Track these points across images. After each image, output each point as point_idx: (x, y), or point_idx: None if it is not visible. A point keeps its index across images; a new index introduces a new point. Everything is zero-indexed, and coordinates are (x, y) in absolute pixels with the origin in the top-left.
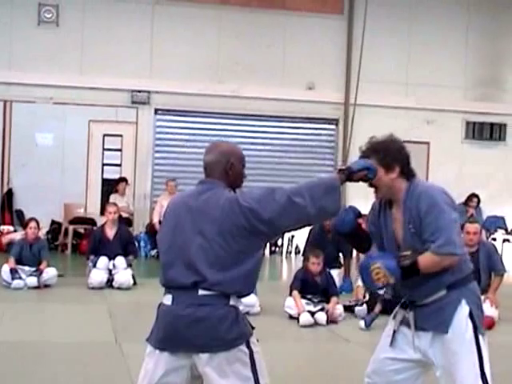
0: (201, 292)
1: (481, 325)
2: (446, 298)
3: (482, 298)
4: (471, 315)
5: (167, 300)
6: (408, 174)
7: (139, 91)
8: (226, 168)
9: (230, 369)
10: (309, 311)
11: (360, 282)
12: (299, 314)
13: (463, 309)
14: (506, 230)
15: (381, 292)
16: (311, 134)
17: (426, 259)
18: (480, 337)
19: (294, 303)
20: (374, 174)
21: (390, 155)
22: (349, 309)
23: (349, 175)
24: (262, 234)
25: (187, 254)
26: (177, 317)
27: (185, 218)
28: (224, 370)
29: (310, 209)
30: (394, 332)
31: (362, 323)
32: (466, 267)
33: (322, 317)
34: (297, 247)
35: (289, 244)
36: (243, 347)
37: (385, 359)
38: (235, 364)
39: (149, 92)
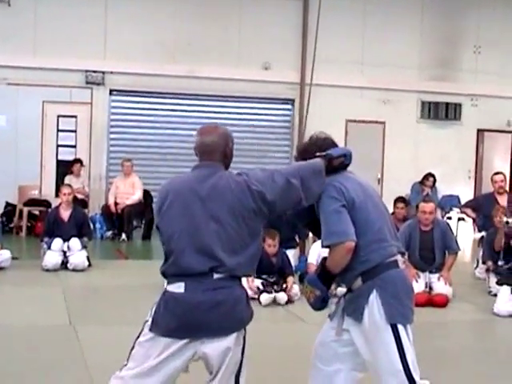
0: (216, 276)
1: (399, 313)
2: (361, 288)
3: (437, 276)
4: (384, 304)
5: (178, 288)
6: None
7: (94, 72)
8: (226, 151)
9: (234, 349)
10: (265, 291)
11: (310, 260)
12: (259, 296)
13: (375, 299)
14: (461, 208)
15: (318, 306)
16: (267, 114)
17: (327, 258)
18: (399, 325)
19: (246, 283)
20: (350, 161)
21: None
22: None
23: (329, 161)
24: (264, 216)
25: (200, 239)
26: (195, 304)
27: (193, 203)
28: (231, 350)
29: (302, 190)
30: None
31: None
32: (377, 256)
33: (282, 296)
34: None
35: None
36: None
37: (328, 330)
38: (238, 345)
39: (103, 73)
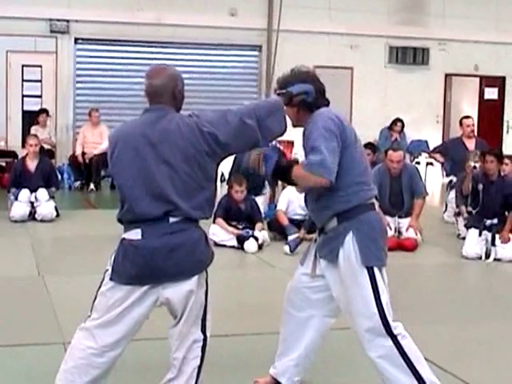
0: (171, 220)
1: (375, 256)
2: (337, 228)
3: (406, 222)
4: (360, 246)
5: (135, 235)
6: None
7: (58, 20)
8: (175, 92)
9: (197, 292)
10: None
11: (280, 206)
12: (242, 242)
13: (351, 240)
14: (429, 153)
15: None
16: (235, 61)
17: (298, 170)
18: (375, 268)
19: (218, 230)
20: (312, 98)
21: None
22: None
23: (289, 98)
24: (217, 157)
25: (154, 184)
26: (152, 249)
27: (144, 148)
28: (193, 292)
29: (258, 129)
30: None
31: (286, 248)
32: (356, 198)
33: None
34: (222, 175)
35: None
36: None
37: (300, 275)
38: (201, 288)
39: (68, 21)
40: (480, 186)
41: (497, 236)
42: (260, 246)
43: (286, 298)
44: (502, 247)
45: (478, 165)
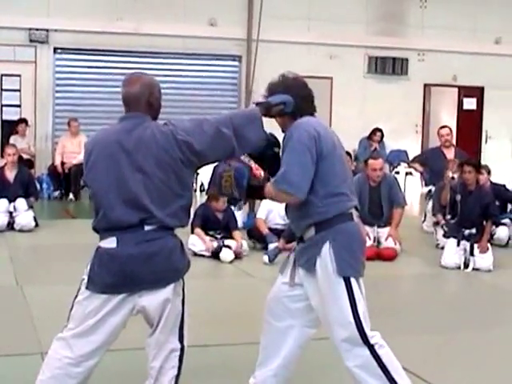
0: (147, 228)
1: (351, 266)
2: (314, 238)
3: (385, 232)
4: (337, 257)
5: (110, 243)
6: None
7: (37, 29)
8: (151, 100)
9: (173, 301)
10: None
11: (259, 215)
12: (216, 251)
13: (327, 250)
14: (408, 163)
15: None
16: (214, 71)
17: (268, 188)
18: (351, 279)
19: (197, 240)
20: (291, 109)
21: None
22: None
23: (267, 108)
24: (193, 166)
25: (128, 192)
26: (128, 257)
27: (119, 156)
28: (169, 301)
29: (234, 138)
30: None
31: (265, 258)
32: (334, 208)
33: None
34: (202, 185)
35: (194, 182)
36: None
37: (280, 285)
38: (177, 296)
39: (47, 30)
40: (458, 197)
41: (475, 246)
42: (236, 255)
43: (267, 307)
44: (480, 257)
45: (456, 175)
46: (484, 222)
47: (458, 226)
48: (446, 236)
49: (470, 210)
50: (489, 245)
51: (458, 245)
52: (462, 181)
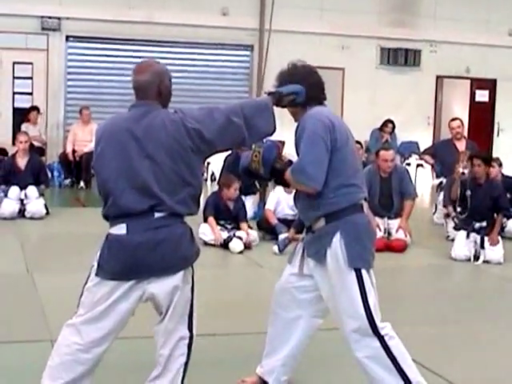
0: (156, 215)
1: (362, 258)
2: (324, 228)
3: (395, 223)
4: (347, 248)
5: (120, 229)
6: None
7: (49, 17)
8: (161, 88)
9: (183, 288)
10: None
11: (268, 206)
12: (224, 241)
13: (338, 241)
14: (419, 155)
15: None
16: (226, 61)
17: (288, 175)
18: (362, 270)
19: (207, 230)
20: (303, 98)
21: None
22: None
23: (278, 98)
24: (202, 154)
25: (137, 178)
26: (137, 244)
27: (129, 143)
28: (179, 288)
29: (244, 127)
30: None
31: (275, 248)
32: (345, 200)
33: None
34: (212, 174)
35: (204, 171)
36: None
37: (288, 276)
38: (187, 284)
39: (59, 18)
40: (468, 193)
41: (486, 238)
42: (246, 245)
43: (274, 297)
44: (490, 250)
45: (466, 170)
46: (495, 215)
47: (468, 218)
48: (456, 228)
49: (479, 203)
50: (499, 237)
51: (468, 237)
52: (471, 175)
